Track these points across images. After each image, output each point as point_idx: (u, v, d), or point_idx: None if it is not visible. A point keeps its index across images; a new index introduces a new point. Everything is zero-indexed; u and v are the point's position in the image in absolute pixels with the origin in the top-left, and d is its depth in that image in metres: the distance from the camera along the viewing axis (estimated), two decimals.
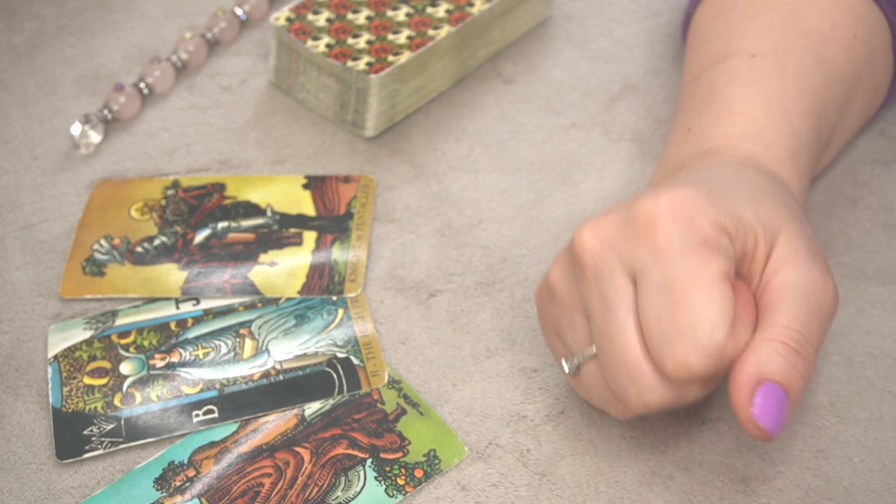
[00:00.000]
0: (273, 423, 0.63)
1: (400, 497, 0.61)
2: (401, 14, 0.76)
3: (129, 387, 0.64)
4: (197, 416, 0.63)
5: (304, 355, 0.65)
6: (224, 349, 0.66)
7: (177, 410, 0.63)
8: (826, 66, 0.67)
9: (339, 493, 0.61)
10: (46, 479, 0.62)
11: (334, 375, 0.65)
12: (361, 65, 0.73)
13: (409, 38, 0.75)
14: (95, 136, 0.75)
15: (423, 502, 0.61)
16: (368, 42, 0.75)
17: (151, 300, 0.68)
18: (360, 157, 0.75)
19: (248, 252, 0.70)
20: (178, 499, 0.61)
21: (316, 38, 0.75)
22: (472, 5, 0.77)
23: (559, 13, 0.83)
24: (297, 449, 0.62)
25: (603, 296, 0.57)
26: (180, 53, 0.79)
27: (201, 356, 0.65)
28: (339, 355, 0.65)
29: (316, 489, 0.61)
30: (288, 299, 0.68)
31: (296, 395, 0.64)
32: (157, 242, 0.70)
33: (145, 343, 0.66)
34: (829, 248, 0.70)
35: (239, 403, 0.64)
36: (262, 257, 0.69)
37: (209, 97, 0.78)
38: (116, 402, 0.64)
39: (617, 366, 0.56)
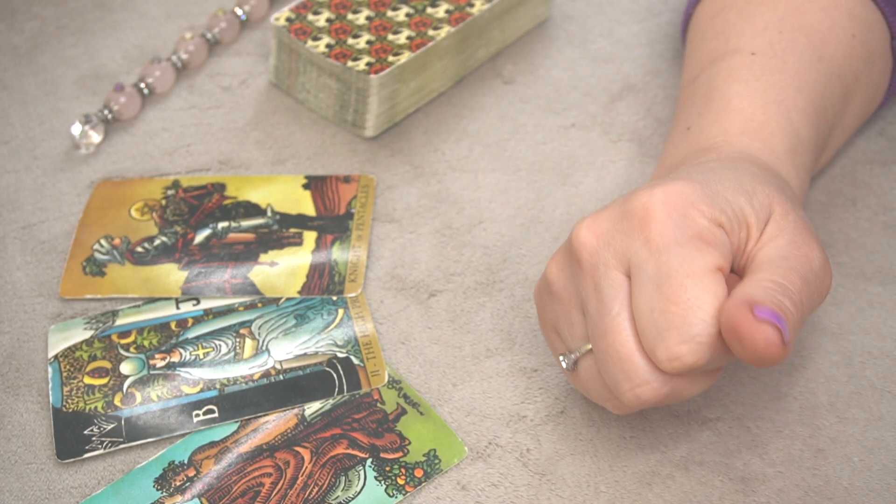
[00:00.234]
0: (273, 423, 0.63)
1: (400, 497, 0.61)
2: (401, 14, 0.76)
3: (129, 387, 0.64)
4: (197, 415, 0.63)
5: (305, 355, 0.65)
6: (224, 349, 0.66)
7: (177, 410, 0.63)
8: (824, 64, 0.67)
9: (339, 492, 0.61)
10: (47, 478, 0.62)
11: (334, 375, 0.65)
12: (361, 65, 0.73)
13: (409, 38, 0.75)
14: (96, 136, 0.75)
15: (423, 502, 0.61)
16: (368, 42, 0.75)
17: (152, 300, 0.68)
18: (360, 157, 0.75)
19: (248, 252, 0.70)
20: (179, 498, 0.61)
21: (316, 39, 0.75)
22: (472, 5, 0.77)
23: (559, 13, 0.83)
24: (298, 449, 0.62)
25: (598, 291, 0.57)
26: (180, 53, 0.79)
27: (201, 356, 0.65)
28: (340, 355, 0.65)
29: (316, 489, 0.61)
30: (288, 299, 0.68)
31: (296, 394, 0.64)
32: (157, 242, 0.70)
33: (145, 343, 0.66)
34: (829, 248, 0.70)
35: (239, 403, 0.64)
36: (263, 257, 0.69)
37: (209, 97, 0.78)
38: (117, 401, 0.64)
39: (611, 360, 0.56)
